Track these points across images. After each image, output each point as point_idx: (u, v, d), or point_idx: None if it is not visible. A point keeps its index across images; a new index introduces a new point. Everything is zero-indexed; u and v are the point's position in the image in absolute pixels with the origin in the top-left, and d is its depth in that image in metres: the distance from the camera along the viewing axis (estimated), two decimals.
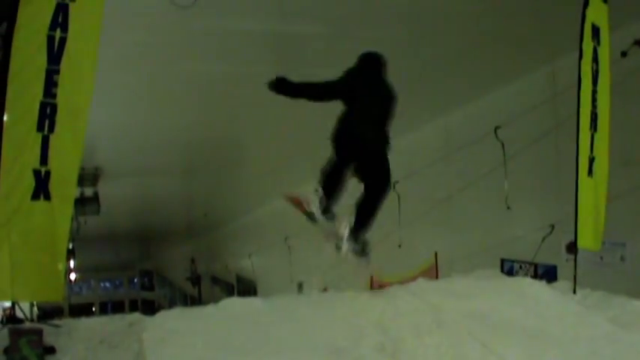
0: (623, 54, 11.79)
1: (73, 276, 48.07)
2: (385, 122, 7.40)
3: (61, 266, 5.86)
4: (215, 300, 6.36)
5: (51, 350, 6.05)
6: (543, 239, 11.51)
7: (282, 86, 7.07)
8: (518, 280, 7.12)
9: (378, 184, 6.86)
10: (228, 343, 4.84)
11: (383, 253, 18.80)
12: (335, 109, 17.48)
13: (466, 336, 5.17)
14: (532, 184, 13.98)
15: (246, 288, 33.03)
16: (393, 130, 18.35)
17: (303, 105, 17.00)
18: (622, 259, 13.39)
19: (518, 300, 6.03)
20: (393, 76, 15.62)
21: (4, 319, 7.26)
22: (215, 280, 40.88)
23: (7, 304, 8.81)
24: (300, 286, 23.57)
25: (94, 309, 53.92)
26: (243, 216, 35.85)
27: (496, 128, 13.54)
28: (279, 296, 6.73)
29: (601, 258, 13.87)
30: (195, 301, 40.43)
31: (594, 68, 7.55)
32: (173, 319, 5.34)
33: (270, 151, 22.86)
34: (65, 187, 5.86)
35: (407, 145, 20.61)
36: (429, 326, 5.31)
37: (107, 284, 60.22)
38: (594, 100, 7.54)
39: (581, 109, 7.44)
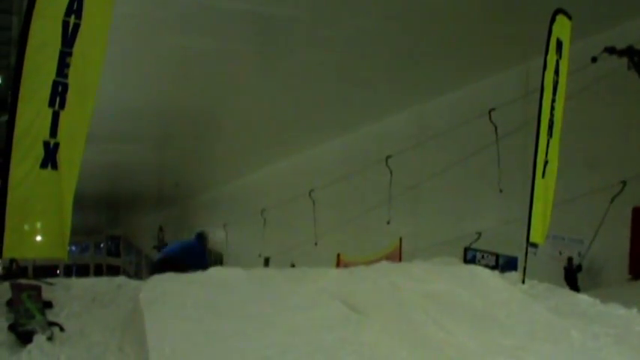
0: (594, 59, 12.42)
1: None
2: None
3: (66, 229, 6.47)
4: None
5: (49, 305, 6.61)
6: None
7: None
8: (472, 268, 7.81)
9: None
10: (214, 306, 5.50)
11: (351, 234, 19.58)
12: (311, 89, 18.03)
13: (422, 314, 5.86)
14: (501, 177, 14.55)
15: (213, 260, 33.38)
16: (367, 116, 19.01)
17: (279, 83, 17.59)
18: (580, 254, 14.16)
19: (470, 285, 6.74)
20: (372, 62, 16.21)
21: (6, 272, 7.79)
22: None
23: None
24: (266, 261, 24.05)
25: (58, 272, 53.75)
26: (214, 188, 36.13)
27: (490, 110, 13.98)
28: (260, 269, 7.39)
29: (560, 253, 14.66)
30: None
31: (555, 80, 8.24)
32: (165, 283, 5.96)
33: (244, 126, 23.28)
34: (72, 158, 6.47)
35: (380, 130, 21.23)
36: (390, 303, 6.00)
37: (73, 247, 60.00)
38: (552, 108, 8.23)
39: (542, 116, 8.14)
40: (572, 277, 13.77)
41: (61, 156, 6.40)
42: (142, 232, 48.87)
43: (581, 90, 12.62)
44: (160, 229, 43.43)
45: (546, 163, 8.22)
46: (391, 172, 16.79)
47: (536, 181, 8.20)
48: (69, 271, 53.24)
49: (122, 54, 15.22)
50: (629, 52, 12.40)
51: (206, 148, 27.33)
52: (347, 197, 21.61)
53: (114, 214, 49.70)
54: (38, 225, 6.42)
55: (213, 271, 6.52)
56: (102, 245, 60.28)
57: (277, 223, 24.19)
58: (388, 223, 16.23)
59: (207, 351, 4.75)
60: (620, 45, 12.58)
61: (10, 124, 6.04)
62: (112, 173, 32.71)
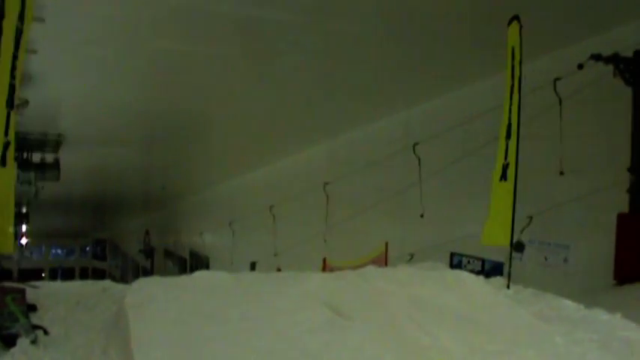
0: (580, 66, 12.48)
1: (24, 240, 47.91)
2: None
3: (9, 225, 6.83)
4: (167, 273, 7.00)
5: (33, 308, 6.59)
6: None
7: None
8: (456, 273, 7.82)
9: None
10: (199, 310, 5.50)
11: (337, 239, 19.58)
12: (299, 91, 18.01)
13: (407, 318, 5.88)
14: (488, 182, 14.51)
15: (199, 263, 33.37)
16: (355, 120, 18.98)
17: (265, 87, 17.56)
18: (565, 260, 14.18)
19: (454, 290, 6.78)
20: (359, 67, 16.25)
21: None
22: (168, 253, 41.16)
23: None
24: (252, 266, 24.02)
25: (43, 274, 53.56)
26: (200, 192, 36.09)
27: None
28: (244, 273, 7.39)
29: (545, 259, 14.69)
30: (147, 273, 40.64)
31: (512, 84, 8.37)
32: (151, 286, 5.96)
33: (229, 132, 23.29)
34: (12, 155, 6.65)
35: (368, 135, 21.29)
36: (374, 307, 6.02)
37: (59, 251, 59.82)
38: (510, 111, 8.34)
39: (502, 120, 8.33)
40: None
41: (10, 154, 6.60)
42: (128, 235, 48.74)
43: (567, 97, 12.68)
44: (147, 232, 43.36)
45: (507, 165, 8.22)
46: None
47: (495, 185, 8.40)
48: (54, 275, 53.04)
49: (107, 57, 15.22)
50: (614, 59, 12.45)
51: (193, 151, 27.29)
52: (333, 202, 21.62)
53: (100, 217, 49.50)
54: None
55: (199, 275, 6.52)
56: (88, 249, 60.10)
57: (261, 229, 24.17)
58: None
59: (191, 355, 4.75)
60: (607, 52, 12.64)
61: None
62: (98, 176, 32.59)
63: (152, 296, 5.62)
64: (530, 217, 12.56)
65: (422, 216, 14.77)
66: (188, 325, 5.16)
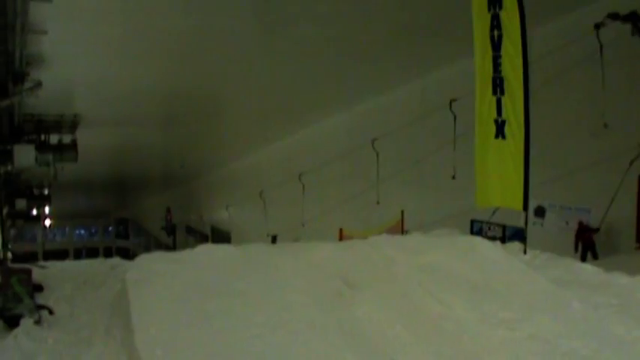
0: (597, 26, 12.17)
1: (47, 222, 48.30)
2: None
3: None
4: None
5: (39, 288, 6.54)
6: None
7: None
8: (469, 239, 7.60)
9: None
10: (201, 285, 5.36)
11: (358, 208, 19.40)
12: (312, 68, 17.79)
13: (416, 286, 5.71)
14: None
15: (220, 239, 33.39)
16: (369, 91, 18.68)
17: (279, 60, 17.37)
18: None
19: (467, 256, 6.56)
20: (372, 36, 15.99)
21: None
22: (190, 230, 41.24)
23: None
24: (273, 239, 23.96)
25: (68, 256, 53.96)
26: (219, 168, 36.04)
27: None
28: (251, 244, 7.23)
29: (567, 223, 14.44)
30: (170, 250, 40.82)
31: (496, 34, 7.81)
32: (153, 262, 5.84)
33: (248, 106, 23.12)
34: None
35: (384, 104, 21.05)
36: (384, 277, 5.85)
37: (82, 231, 60.28)
38: (497, 65, 7.80)
39: (476, 77, 8.08)
40: (589, 242, 13.35)
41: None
42: (150, 213, 48.91)
43: (585, 58, 12.38)
44: (168, 210, 43.46)
45: (503, 122, 7.80)
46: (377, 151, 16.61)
47: (484, 144, 8.08)
48: (79, 255, 53.48)
49: (119, 35, 15.07)
50: (632, 17, 12.14)
51: (210, 128, 27.16)
52: (351, 173, 21.43)
53: (121, 196, 49.63)
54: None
55: (202, 249, 6.36)
56: (110, 228, 60.48)
57: (285, 201, 24.08)
58: (377, 201, 16.12)
59: (193, 331, 4.62)
60: (624, 11, 12.33)
61: None
62: (117, 156, 32.60)
63: (154, 272, 5.50)
64: None
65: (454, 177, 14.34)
66: (190, 300, 5.03)
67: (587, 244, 13.11)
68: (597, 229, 13.03)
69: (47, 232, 52.87)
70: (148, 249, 47.65)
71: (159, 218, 44.32)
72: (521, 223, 13.30)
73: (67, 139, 24.39)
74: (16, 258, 29.52)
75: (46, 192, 37.25)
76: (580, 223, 13.29)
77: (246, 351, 4.53)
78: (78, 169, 28.25)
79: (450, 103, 15.22)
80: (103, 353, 5.03)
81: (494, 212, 9.57)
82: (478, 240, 7.38)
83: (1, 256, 8.53)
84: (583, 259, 12.72)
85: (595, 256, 12.75)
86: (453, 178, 14.61)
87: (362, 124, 22.11)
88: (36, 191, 36.81)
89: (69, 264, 7.53)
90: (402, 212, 14.21)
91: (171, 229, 43.16)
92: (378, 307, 5.35)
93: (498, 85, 7.80)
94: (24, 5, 11.66)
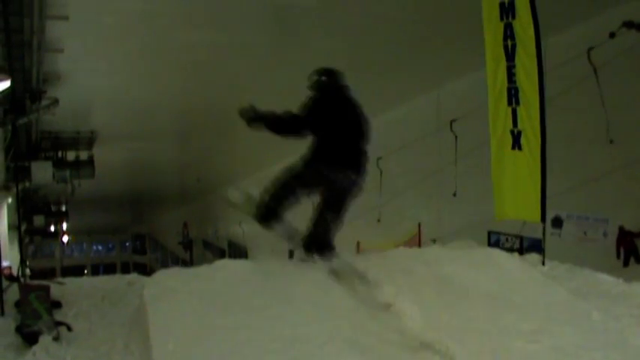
0: (612, 35, 12.12)
1: (65, 238, 48.59)
2: (359, 148, 7.26)
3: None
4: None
5: (57, 305, 6.57)
6: None
7: (252, 118, 7.40)
8: (488, 251, 7.58)
9: (336, 212, 7.14)
10: (218, 300, 5.36)
11: (374, 221, 19.40)
12: None
13: (434, 298, 5.68)
14: None
15: (237, 253, 33.38)
16: (385, 102, 18.75)
17: (293, 73, 17.44)
18: (605, 234, 13.80)
19: (485, 268, 6.52)
20: (385, 49, 16.00)
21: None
22: (207, 244, 41.29)
23: (5, 263, 9.38)
24: (291, 254, 23.88)
25: (85, 271, 54.24)
26: (236, 182, 36.13)
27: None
28: (269, 259, 7.23)
29: (585, 233, 14.32)
30: (187, 265, 40.90)
31: (510, 45, 7.69)
32: (170, 278, 5.85)
33: None
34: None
35: (399, 116, 21.04)
36: (400, 289, 5.82)
37: (99, 247, 60.53)
38: (511, 75, 7.69)
39: (489, 88, 7.92)
40: (631, 246, 13.09)
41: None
42: (166, 228, 49.06)
43: (600, 66, 12.33)
44: (185, 225, 43.60)
45: (519, 133, 7.68)
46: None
47: (500, 155, 7.97)
48: (96, 271, 53.73)
49: (134, 51, 15.19)
50: None
51: (226, 142, 27.26)
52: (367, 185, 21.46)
53: (137, 212, 49.82)
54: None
55: (220, 264, 6.36)
56: (128, 243, 60.71)
57: (301, 214, 24.08)
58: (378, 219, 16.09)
59: (212, 346, 4.62)
60: (639, 19, 12.28)
61: None
62: (134, 172, 32.79)
63: (171, 288, 5.51)
64: None
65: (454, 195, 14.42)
66: (207, 316, 5.03)
67: (629, 248, 12.92)
68: (639, 234, 12.88)
69: (65, 248, 53.14)
70: (165, 264, 47.78)
71: (175, 233, 44.41)
72: (538, 234, 13.24)
73: (84, 155, 24.54)
74: (35, 274, 29.69)
75: (63, 208, 37.51)
76: (621, 228, 13.09)
77: None
78: (95, 185, 28.41)
79: (451, 123, 15.29)
80: None
81: (524, 224, 9.52)
82: (496, 252, 7.33)
83: (20, 273, 8.59)
84: (626, 263, 12.58)
85: (638, 260, 12.59)
86: (454, 195, 14.64)
87: (378, 137, 22.14)
88: (54, 208, 37.12)
89: (87, 280, 7.57)
90: (420, 225, 14.18)
91: (188, 244, 43.24)
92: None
93: (513, 95, 7.68)
94: (41, 23, 11.79)
